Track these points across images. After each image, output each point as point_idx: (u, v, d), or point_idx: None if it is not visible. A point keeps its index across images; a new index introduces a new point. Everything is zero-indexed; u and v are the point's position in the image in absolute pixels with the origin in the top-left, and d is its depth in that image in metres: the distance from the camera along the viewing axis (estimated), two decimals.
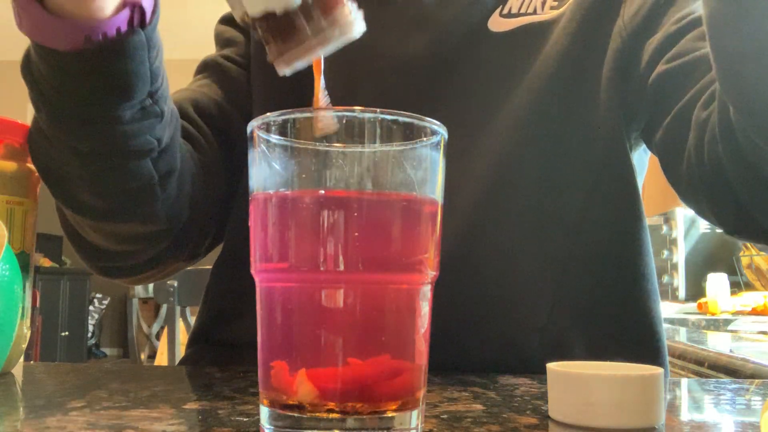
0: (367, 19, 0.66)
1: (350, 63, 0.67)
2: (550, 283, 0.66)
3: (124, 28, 0.49)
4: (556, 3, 0.70)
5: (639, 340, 0.68)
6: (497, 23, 0.70)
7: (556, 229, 0.67)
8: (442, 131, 0.37)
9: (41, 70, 0.50)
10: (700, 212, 0.62)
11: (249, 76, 0.77)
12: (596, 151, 0.68)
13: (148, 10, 0.50)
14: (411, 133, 0.35)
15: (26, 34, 0.49)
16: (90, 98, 0.51)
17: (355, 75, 0.71)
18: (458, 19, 0.71)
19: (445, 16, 0.72)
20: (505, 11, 0.70)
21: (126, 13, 0.49)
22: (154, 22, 0.51)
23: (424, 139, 0.35)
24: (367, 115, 0.34)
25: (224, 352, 0.69)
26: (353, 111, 0.34)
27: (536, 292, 0.66)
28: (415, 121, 0.35)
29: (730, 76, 0.47)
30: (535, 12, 0.69)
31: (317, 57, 0.45)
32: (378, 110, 0.34)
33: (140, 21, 0.50)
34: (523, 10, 0.70)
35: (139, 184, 0.57)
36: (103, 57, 0.49)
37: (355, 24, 0.45)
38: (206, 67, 0.80)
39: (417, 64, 0.71)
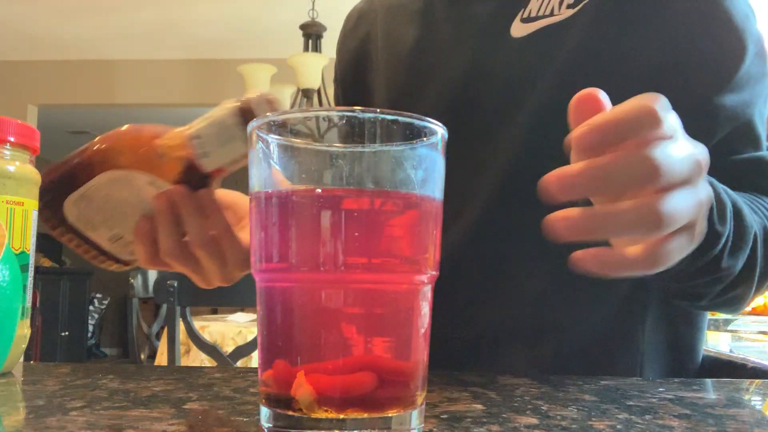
0: (417, 33, 0.81)
1: (413, 75, 0.79)
2: (551, 297, 0.68)
3: None
4: (572, 1, 0.68)
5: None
6: (518, 29, 0.70)
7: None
8: (442, 131, 0.37)
9: None
10: None
11: None
12: None
13: None
14: (411, 133, 0.35)
15: None
16: None
17: (411, 88, 0.79)
18: (483, 29, 0.73)
19: (471, 27, 0.75)
20: (525, 15, 0.70)
21: None
22: None
23: (424, 138, 0.35)
24: (367, 115, 0.34)
25: None
26: (353, 111, 0.34)
27: (538, 309, 0.69)
28: (415, 121, 0.35)
29: None
30: (552, 13, 0.68)
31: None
32: (378, 110, 0.34)
33: None
34: (541, 13, 0.69)
35: None
36: None
37: None
38: None
39: (453, 79, 0.74)
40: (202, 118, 0.53)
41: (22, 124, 0.57)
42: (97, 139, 0.56)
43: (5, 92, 5.15)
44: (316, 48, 3.39)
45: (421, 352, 0.36)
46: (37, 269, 0.60)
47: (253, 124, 0.36)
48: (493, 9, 0.73)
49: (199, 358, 2.39)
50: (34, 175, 0.58)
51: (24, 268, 0.56)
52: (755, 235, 0.58)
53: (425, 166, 0.36)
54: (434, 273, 0.37)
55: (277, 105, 0.53)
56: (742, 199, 0.59)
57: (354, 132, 0.34)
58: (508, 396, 0.47)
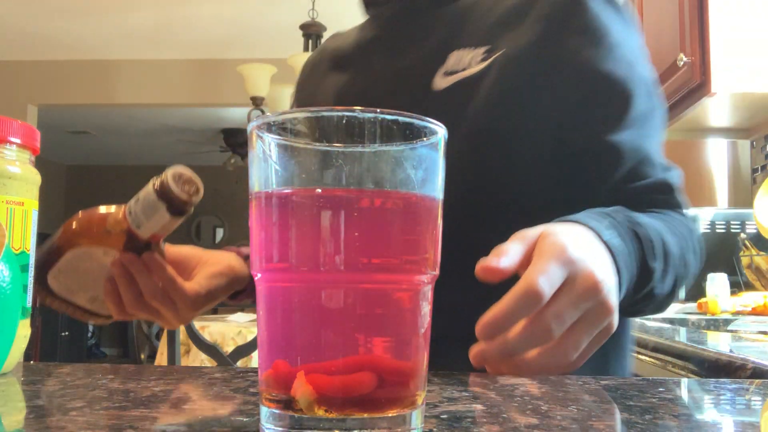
0: (358, 86, 0.89)
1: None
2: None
3: None
4: (485, 55, 0.76)
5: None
6: (439, 82, 0.78)
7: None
8: (443, 131, 0.37)
9: None
10: None
11: None
12: (534, 203, 0.74)
13: None
14: (411, 133, 0.35)
15: None
16: None
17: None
18: (408, 82, 0.81)
19: (402, 80, 0.82)
20: (446, 69, 0.78)
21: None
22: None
23: (424, 139, 0.35)
24: (367, 115, 0.34)
25: None
26: (353, 111, 0.34)
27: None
28: (415, 121, 0.35)
29: None
30: (466, 67, 0.77)
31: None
32: (378, 110, 0.34)
33: None
34: (459, 67, 0.77)
35: None
36: None
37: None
38: None
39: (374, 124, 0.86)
40: (136, 196, 0.65)
41: (23, 124, 0.57)
42: (62, 225, 0.70)
43: (5, 92, 5.15)
44: (316, 48, 3.40)
45: (421, 352, 0.36)
46: None
47: (253, 124, 0.36)
48: (420, 62, 0.81)
49: (199, 358, 2.39)
50: (34, 175, 0.58)
51: (24, 268, 0.56)
52: (675, 257, 0.67)
53: (425, 166, 0.36)
54: (434, 273, 0.37)
55: (192, 181, 0.63)
56: (662, 225, 0.68)
57: (354, 132, 0.34)
58: (508, 396, 0.47)
